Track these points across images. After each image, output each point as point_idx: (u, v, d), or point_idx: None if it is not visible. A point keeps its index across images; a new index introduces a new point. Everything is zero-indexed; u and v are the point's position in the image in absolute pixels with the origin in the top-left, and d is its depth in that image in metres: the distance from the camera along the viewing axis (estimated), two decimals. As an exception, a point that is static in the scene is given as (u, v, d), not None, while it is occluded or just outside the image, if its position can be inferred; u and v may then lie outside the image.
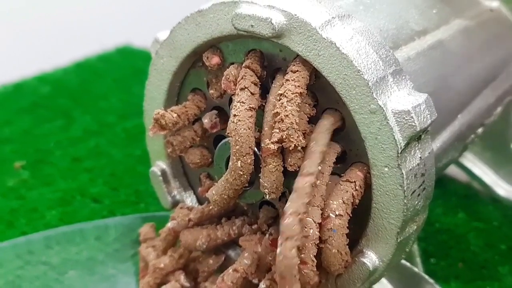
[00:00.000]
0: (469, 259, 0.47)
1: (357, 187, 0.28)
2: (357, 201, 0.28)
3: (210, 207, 0.35)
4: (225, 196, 0.31)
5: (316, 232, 0.28)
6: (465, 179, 0.55)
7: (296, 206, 0.27)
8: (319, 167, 0.28)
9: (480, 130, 0.40)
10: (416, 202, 0.28)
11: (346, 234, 0.28)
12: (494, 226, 0.50)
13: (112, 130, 0.62)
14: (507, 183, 0.53)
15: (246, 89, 0.29)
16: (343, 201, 0.28)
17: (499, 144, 0.53)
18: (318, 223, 0.28)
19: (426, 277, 0.38)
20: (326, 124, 0.28)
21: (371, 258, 0.29)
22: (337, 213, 0.28)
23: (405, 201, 0.27)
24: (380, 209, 0.28)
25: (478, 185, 0.54)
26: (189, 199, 0.37)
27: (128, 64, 0.79)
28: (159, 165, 0.37)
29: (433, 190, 0.30)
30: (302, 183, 0.27)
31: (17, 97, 0.69)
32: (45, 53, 0.78)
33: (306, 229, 0.27)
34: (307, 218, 0.27)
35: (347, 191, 0.28)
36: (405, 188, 0.27)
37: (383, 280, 0.41)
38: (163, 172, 0.37)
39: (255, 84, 0.30)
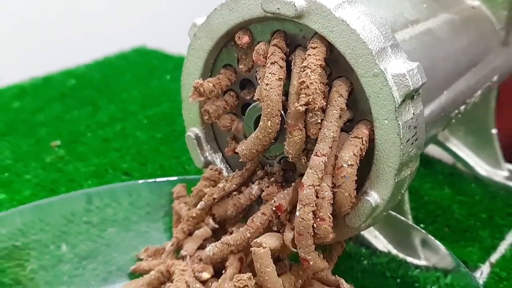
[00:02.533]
0: (453, 225, 0.54)
1: (363, 142, 0.35)
2: (363, 153, 0.35)
3: (229, 184, 0.41)
4: (254, 151, 0.38)
5: (330, 194, 0.35)
6: (451, 160, 0.62)
7: (312, 180, 0.34)
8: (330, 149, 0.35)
9: (462, 108, 0.47)
10: (410, 150, 0.35)
11: (355, 181, 0.35)
12: (476, 200, 0.57)
13: (135, 117, 0.69)
14: (488, 164, 0.61)
15: (276, 63, 0.36)
16: (353, 153, 0.35)
17: (480, 129, 0.60)
18: (331, 186, 0.35)
19: (414, 224, 0.45)
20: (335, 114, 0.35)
21: (373, 197, 0.36)
22: (349, 163, 0.35)
23: (401, 147, 0.34)
24: (381, 155, 0.35)
25: (462, 166, 0.62)
26: (218, 160, 0.44)
27: (144, 62, 0.86)
28: (193, 131, 0.44)
29: (423, 145, 0.37)
30: (317, 161, 0.34)
31: (46, 88, 0.76)
32: (67, 52, 0.85)
33: (321, 192, 0.35)
34: (322, 184, 0.35)
35: (356, 146, 0.35)
36: (401, 136, 0.34)
37: (379, 235, 0.48)
38: (197, 137, 0.43)
39: (282, 59, 0.37)
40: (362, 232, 0.47)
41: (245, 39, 0.39)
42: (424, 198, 0.57)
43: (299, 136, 0.36)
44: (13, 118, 0.68)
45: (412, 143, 0.35)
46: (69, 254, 0.46)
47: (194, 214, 0.43)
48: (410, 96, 0.34)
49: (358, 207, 0.36)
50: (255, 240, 0.36)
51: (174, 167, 0.59)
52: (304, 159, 0.37)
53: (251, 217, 0.39)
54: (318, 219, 0.35)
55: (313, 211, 0.35)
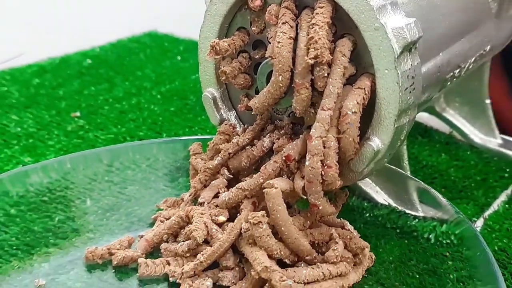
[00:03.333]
0: (449, 186, 0.57)
1: (366, 92, 0.39)
2: (366, 102, 0.39)
3: (242, 139, 0.45)
4: (265, 104, 0.42)
5: (336, 144, 0.39)
6: (448, 130, 0.66)
7: (319, 132, 0.38)
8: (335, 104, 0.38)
9: (457, 71, 0.50)
10: (408, 98, 0.39)
11: (358, 128, 0.39)
12: (471, 164, 0.61)
13: (149, 92, 0.73)
14: (482, 132, 0.64)
15: (286, 23, 0.40)
16: (357, 102, 0.39)
17: (475, 100, 0.64)
18: (336, 137, 0.39)
19: (411, 176, 0.48)
20: (339, 72, 0.39)
21: (375, 142, 0.40)
22: (353, 111, 0.38)
23: (400, 94, 0.38)
24: (382, 103, 0.39)
25: (458, 134, 0.65)
26: (232, 117, 0.48)
27: (156, 45, 0.90)
28: (210, 91, 0.47)
29: (420, 95, 0.41)
30: (323, 115, 0.38)
31: (64, 67, 0.80)
32: (82, 35, 0.89)
33: (328, 143, 0.38)
34: (328, 135, 0.38)
35: (359, 95, 0.39)
36: (400, 84, 0.38)
37: (379, 190, 0.52)
38: (213, 97, 0.47)
39: (292, 20, 0.40)
40: (364, 187, 0.51)
41: (257, 2, 0.43)
42: (422, 162, 0.61)
43: (306, 94, 0.40)
44: (34, 92, 0.72)
45: (410, 92, 0.39)
46: (93, 207, 0.50)
47: (211, 166, 0.46)
48: (408, 48, 0.38)
49: (362, 152, 0.40)
50: (267, 182, 0.40)
51: (188, 135, 0.62)
52: (312, 112, 0.41)
53: (263, 165, 0.43)
54: (326, 167, 0.39)
55: (321, 160, 0.38)
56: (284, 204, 0.40)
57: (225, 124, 0.47)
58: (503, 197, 0.56)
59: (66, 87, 0.74)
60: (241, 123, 0.48)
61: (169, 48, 0.88)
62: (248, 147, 0.45)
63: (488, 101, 0.63)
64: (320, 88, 0.39)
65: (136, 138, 0.62)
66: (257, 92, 0.45)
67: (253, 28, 0.44)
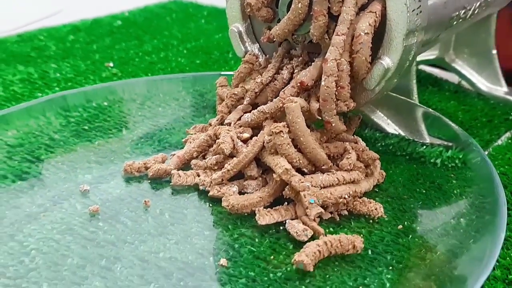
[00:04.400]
0: (458, 125, 0.61)
1: (377, 15, 0.44)
2: (377, 24, 0.44)
3: (265, 78, 0.50)
4: (286, 30, 0.46)
5: (348, 67, 0.43)
6: (456, 80, 0.70)
7: (334, 55, 0.43)
8: (348, 30, 0.43)
9: (462, 12, 0.55)
10: (415, 19, 0.43)
11: (370, 48, 0.44)
12: (478, 109, 0.65)
13: (176, 48, 0.78)
14: (489, 81, 0.68)
15: None
16: (369, 23, 0.43)
17: (482, 51, 0.68)
18: (348, 61, 0.43)
19: (419, 104, 0.53)
20: (352, 0, 0.43)
21: (386, 60, 0.44)
22: (365, 32, 0.43)
23: (408, 14, 0.43)
24: (391, 25, 0.43)
25: (466, 83, 0.69)
26: (256, 49, 0.52)
27: (181, 10, 0.95)
28: (236, 26, 0.52)
29: (426, 19, 0.45)
30: (337, 40, 0.43)
31: (96, 27, 0.85)
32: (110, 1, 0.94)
33: (341, 66, 0.43)
34: (341, 59, 0.43)
35: (371, 18, 0.43)
36: (408, 5, 0.42)
37: (390, 122, 0.56)
38: (238, 31, 0.52)
39: None
40: (376, 120, 0.55)
41: None
42: (432, 107, 0.65)
43: (323, 21, 0.44)
44: (70, 46, 0.77)
45: (417, 14, 0.43)
46: (128, 135, 0.55)
47: (236, 92, 0.51)
48: (414, -26, 0.43)
49: (373, 71, 0.45)
50: (287, 98, 0.45)
51: (213, 86, 0.67)
52: (326, 39, 0.45)
53: (282, 89, 0.47)
54: (339, 88, 0.43)
55: (335, 81, 0.43)
56: (303, 117, 0.44)
57: (249, 54, 0.51)
58: (507, 134, 0.60)
59: (98, 43, 0.79)
60: (264, 54, 0.52)
61: (194, 13, 0.93)
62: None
63: (494, 51, 0.67)
64: (335, 12, 0.44)
65: (165, 83, 0.67)
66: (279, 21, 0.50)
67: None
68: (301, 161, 0.44)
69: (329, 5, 0.44)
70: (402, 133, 0.54)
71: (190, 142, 0.51)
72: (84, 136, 0.54)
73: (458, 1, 0.53)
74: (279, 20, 0.49)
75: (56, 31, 0.82)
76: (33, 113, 0.54)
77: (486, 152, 0.56)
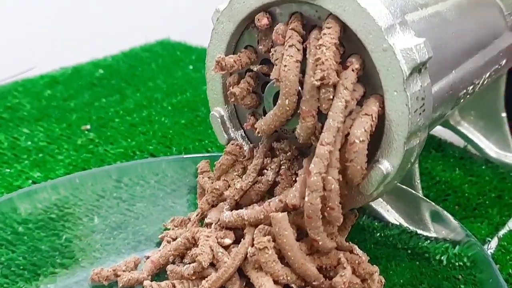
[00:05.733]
0: (463, 203, 0.56)
1: (373, 118, 0.38)
2: (373, 128, 0.38)
3: (245, 183, 0.43)
4: (272, 126, 0.41)
5: (337, 186, 0.37)
6: (462, 143, 0.65)
7: (318, 168, 0.37)
8: (334, 139, 0.37)
9: (470, 88, 0.49)
10: (418, 120, 0.38)
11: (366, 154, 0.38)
12: (486, 180, 0.59)
13: (160, 104, 0.73)
14: (498, 147, 0.63)
15: (293, 46, 0.39)
16: (364, 129, 0.37)
17: (490, 113, 0.62)
18: (337, 179, 0.37)
19: (424, 197, 0.47)
20: (340, 106, 0.37)
21: (385, 165, 0.39)
22: (360, 139, 0.37)
23: (410, 116, 0.37)
24: (391, 125, 0.38)
25: (473, 148, 0.64)
26: (240, 136, 0.47)
27: (168, 54, 0.89)
28: (217, 111, 0.47)
29: (431, 116, 0.40)
30: (322, 150, 0.37)
31: (76, 77, 0.80)
32: (95, 44, 0.89)
33: (329, 185, 0.37)
34: (328, 177, 0.37)
35: (367, 122, 0.38)
36: (410, 106, 0.37)
37: (391, 209, 0.51)
38: (221, 116, 0.47)
39: (299, 42, 0.40)
40: (374, 206, 0.50)
41: (264, 21, 0.42)
42: (436, 178, 0.60)
43: (312, 122, 0.39)
44: (46, 105, 0.72)
45: (420, 114, 0.38)
46: (101, 225, 0.50)
47: (218, 187, 0.46)
48: (417, 69, 0.37)
49: (371, 175, 0.39)
50: (271, 214, 0.39)
51: (198, 149, 0.62)
52: (314, 140, 0.40)
53: (268, 201, 0.41)
54: (328, 208, 0.38)
55: (320, 197, 0.37)
56: (291, 229, 0.39)
57: (232, 144, 0.46)
58: (519, 215, 0.54)
59: (77, 98, 0.74)
60: (248, 141, 0.47)
61: (181, 57, 0.88)
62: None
63: (504, 114, 0.62)
64: (325, 110, 0.38)
65: (145, 153, 0.62)
66: (264, 111, 0.44)
67: (260, 47, 0.43)
68: (289, 277, 0.39)
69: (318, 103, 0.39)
70: (404, 223, 0.49)
71: (167, 242, 0.46)
72: (51, 228, 0.48)
73: (466, 79, 0.47)
74: (264, 111, 0.44)
75: (32, 85, 0.77)
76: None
77: (496, 242, 0.51)
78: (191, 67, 0.84)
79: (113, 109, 0.71)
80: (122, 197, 0.53)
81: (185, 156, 0.55)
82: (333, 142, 0.37)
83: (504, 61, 0.54)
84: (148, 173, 0.55)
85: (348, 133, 0.37)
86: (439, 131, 0.65)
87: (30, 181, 0.57)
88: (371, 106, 0.38)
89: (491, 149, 0.63)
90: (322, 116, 0.38)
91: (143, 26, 0.97)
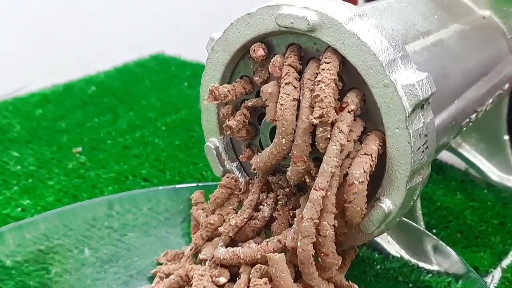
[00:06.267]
0: (465, 231, 0.54)
1: (373, 158, 0.36)
2: (373, 168, 0.36)
3: (240, 220, 0.42)
4: (268, 164, 0.39)
5: (332, 232, 0.36)
6: (463, 166, 0.63)
7: (310, 213, 0.35)
8: (329, 183, 0.35)
9: (473, 116, 0.48)
10: (421, 157, 0.36)
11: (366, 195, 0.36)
12: (488, 205, 0.58)
13: (153, 124, 0.71)
14: (500, 170, 0.61)
15: (290, 84, 0.37)
16: (364, 170, 0.36)
17: (492, 136, 0.61)
18: (332, 225, 0.36)
19: (426, 231, 0.46)
20: (335, 150, 0.36)
21: (386, 203, 0.37)
22: (360, 180, 0.35)
23: (412, 155, 0.36)
24: (393, 163, 0.36)
25: (474, 171, 0.62)
26: (235, 168, 0.45)
27: (162, 70, 0.87)
28: (212, 141, 0.45)
29: (434, 152, 0.38)
30: (315, 195, 0.35)
31: (68, 95, 0.78)
32: (88, 59, 0.87)
33: (323, 231, 0.36)
34: (323, 223, 0.36)
35: (366, 162, 0.36)
36: (412, 144, 0.35)
37: (391, 240, 0.49)
38: (216, 147, 0.45)
39: (296, 79, 0.38)
40: (375, 238, 0.48)
41: (260, 52, 0.40)
42: (437, 204, 0.58)
43: (303, 167, 0.37)
44: (36, 125, 0.70)
45: (423, 151, 0.36)
46: (91, 258, 0.48)
47: (212, 221, 0.44)
48: (420, 106, 0.36)
49: (372, 213, 0.38)
50: (268, 254, 0.38)
51: (192, 173, 0.60)
52: (310, 181, 0.38)
53: (266, 240, 0.40)
54: (322, 254, 0.36)
55: (314, 242, 0.36)
56: (288, 270, 0.37)
57: (227, 177, 0.44)
58: (521, 244, 0.53)
59: (69, 118, 0.72)
60: (244, 173, 0.45)
61: (176, 73, 0.86)
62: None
63: (506, 137, 0.60)
64: (322, 150, 0.37)
65: (138, 177, 0.60)
66: (261, 144, 0.43)
67: (256, 78, 0.41)
68: (286, 319, 0.37)
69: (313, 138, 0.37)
70: (405, 255, 0.48)
71: (160, 278, 0.44)
72: (40, 262, 0.47)
73: (469, 108, 0.46)
74: (260, 143, 0.42)
75: (22, 103, 0.75)
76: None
77: (500, 273, 0.49)
78: (186, 83, 0.83)
79: (105, 129, 0.69)
80: (114, 226, 0.51)
81: (178, 186, 0.53)
82: (327, 187, 0.35)
83: (507, 86, 0.53)
84: (141, 200, 0.53)
85: (347, 173, 0.36)
86: (439, 154, 0.64)
87: (19, 208, 0.55)
88: (370, 144, 0.36)
89: (493, 173, 0.61)
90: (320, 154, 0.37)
91: (137, 39, 0.95)
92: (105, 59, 0.87)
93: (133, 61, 0.89)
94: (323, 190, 0.35)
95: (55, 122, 0.71)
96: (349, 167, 0.36)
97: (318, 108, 0.35)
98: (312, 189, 0.35)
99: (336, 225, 0.36)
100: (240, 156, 0.44)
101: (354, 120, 0.36)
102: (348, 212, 0.36)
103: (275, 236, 0.39)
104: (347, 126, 0.35)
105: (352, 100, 0.36)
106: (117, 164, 0.62)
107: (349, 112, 0.36)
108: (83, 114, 0.73)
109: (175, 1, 1.10)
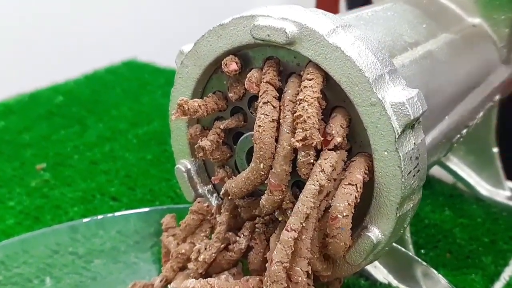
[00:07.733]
0: (455, 250, 0.51)
1: (358, 189, 0.33)
2: (358, 200, 0.33)
3: (208, 255, 0.38)
4: (244, 190, 0.36)
5: (304, 279, 0.33)
6: (451, 180, 0.60)
7: (280, 257, 0.32)
8: (303, 224, 0.32)
9: (464, 131, 0.45)
10: (412, 182, 0.33)
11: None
12: (478, 222, 0.55)
13: (124, 136, 0.67)
14: (489, 184, 0.59)
15: (268, 103, 0.34)
16: (348, 203, 0.32)
17: (481, 148, 0.58)
18: (305, 271, 0.32)
19: (415, 256, 0.42)
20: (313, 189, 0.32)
21: (374, 233, 0.34)
22: (344, 214, 0.32)
23: (403, 180, 0.32)
24: (381, 189, 0.33)
25: (463, 186, 0.59)
26: (208, 191, 0.41)
27: (134, 77, 0.83)
28: (183, 163, 0.41)
29: (425, 176, 0.35)
30: (286, 236, 0.32)
31: (33, 105, 0.74)
32: (56, 65, 0.83)
33: (295, 277, 0.32)
34: (295, 268, 0.32)
35: (351, 194, 0.32)
36: (402, 168, 0.32)
37: (379, 265, 0.46)
38: (187, 170, 0.41)
39: (275, 98, 0.34)
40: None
41: (233, 66, 0.36)
42: (425, 221, 0.55)
43: (279, 197, 0.34)
44: (-2, 139, 0.66)
45: (414, 175, 0.33)
46: (52, 290, 0.44)
47: (183, 251, 0.40)
48: (410, 126, 0.32)
49: (359, 243, 0.34)
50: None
51: (165, 191, 0.56)
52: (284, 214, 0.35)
53: (247, 277, 0.36)
54: None
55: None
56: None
57: (198, 202, 0.41)
58: (514, 264, 0.50)
59: (33, 131, 0.67)
60: (217, 196, 0.41)
61: (149, 80, 0.82)
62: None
63: (495, 149, 0.57)
64: (304, 175, 0.33)
65: (106, 196, 0.56)
66: (236, 165, 0.39)
67: (230, 95, 0.38)
68: None
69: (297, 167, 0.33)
70: (393, 281, 0.44)
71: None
72: (-4, 295, 0.43)
73: (460, 123, 0.43)
74: (237, 168, 0.38)
75: (-16, 115, 0.71)
76: None
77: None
78: (159, 92, 0.79)
79: (72, 143, 0.65)
80: (79, 252, 0.47)
81: (148, 209, 0.49)
82: (300, 229, 0.32)
83: (497, 97, 0.50)
84: (108, 222, 0.49)
85: (330, 206, 0.32)
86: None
87: (-23, 233, 0.51)
88: (355, 173, 0.33)
89: (482, 187, 0.59)
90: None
91: (108, 44, 0.91)
92: (74, 65, 0.82)
93: (104, 68, 0.85)
94: (295, 231, 0.32)
95: (18, 135, 0.67)
96: (332, 200, 0.32)
97: (301, 130, 0.32)
98: (284, 229, 0.32)
99: (313, 269, 0.33)
100: (213, 177, 0.40)
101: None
102: (330, 247, 0.33)
103: (257, 276, 0.36)
104: (330, 166, 0.32)
105: (337, 131, 0.32)
106: (83, 182, 0.58)
107: (334, 148, 0.32)
108: (49, 125, 0.69)
109: (149, 4, 1.05)
